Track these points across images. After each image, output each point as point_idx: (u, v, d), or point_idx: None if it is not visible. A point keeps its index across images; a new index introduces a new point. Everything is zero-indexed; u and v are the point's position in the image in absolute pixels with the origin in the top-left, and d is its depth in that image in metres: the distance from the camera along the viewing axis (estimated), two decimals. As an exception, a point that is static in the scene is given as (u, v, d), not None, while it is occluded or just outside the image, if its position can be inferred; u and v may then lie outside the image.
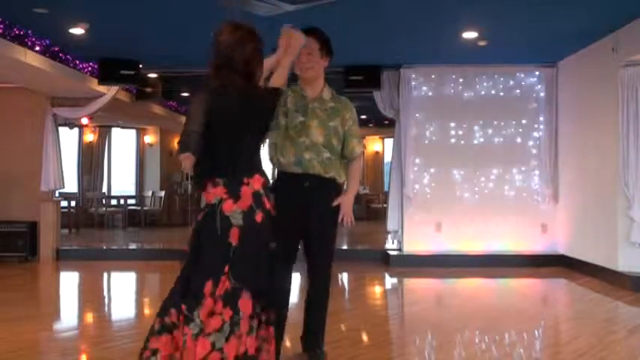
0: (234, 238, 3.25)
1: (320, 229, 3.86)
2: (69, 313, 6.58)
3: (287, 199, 3.68)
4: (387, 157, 18.07)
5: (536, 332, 5.46)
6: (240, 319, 3.18)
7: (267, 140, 3.79)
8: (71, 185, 13.40)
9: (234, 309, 3.17)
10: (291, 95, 3.89)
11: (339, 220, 3.84)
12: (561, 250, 9.09)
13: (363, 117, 15.22)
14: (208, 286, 3.20)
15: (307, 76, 3.90)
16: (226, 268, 3.22)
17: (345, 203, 3.85)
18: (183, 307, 3.19)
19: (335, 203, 3.82)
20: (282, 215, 3.51)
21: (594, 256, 8.01)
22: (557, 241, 9.21)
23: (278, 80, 3.63)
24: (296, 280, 4.36)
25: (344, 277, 8.80)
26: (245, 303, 3.20)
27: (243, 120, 3.35)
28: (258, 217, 3.28)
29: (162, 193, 15.43)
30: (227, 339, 3.13)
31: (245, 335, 3.18)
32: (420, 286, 8.15)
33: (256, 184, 3.32)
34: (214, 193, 3.29)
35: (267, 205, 3.35)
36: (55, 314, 6.41)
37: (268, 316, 3.38)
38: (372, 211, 17.35)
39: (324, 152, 3.82)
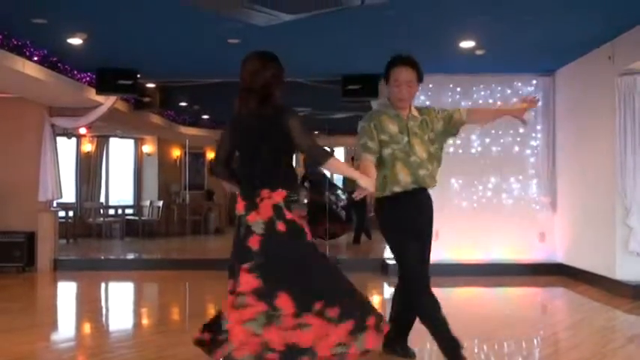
0: (253, 243, 3.53)
1: (431, 234, 4.27)
2: (66, 324, 6.57)
3: (409, 213, 4.09)
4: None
5: (535, 341, 5.45)
6: (282, 316, 3.39)
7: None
8: (69, 195, 13.37)
9: (271, 305, 3.40)
10: (387, 120, 4.10)
11: None
12: (560, 258, 9.09)
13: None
14: (230, 284, 3.56)
15: (402, 106, 4.16)
16: (246, 266, 3.48)
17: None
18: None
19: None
20: (410, 227, 4.08)
21: (592, 265, 8.01)
22: (556, 249, 9.20)
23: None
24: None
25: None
26: (284, 302, 3.40)
27: (258, 140, 3.61)
28: (280, 226, 3.53)
29: (160, 203, 15.40)
30: (264, 326, 3.37)
31: (292, 330, 3.37)
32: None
33: (277, 197, 3.56)
34: (239, 207, 3.65)
35: (289, 216, 3.56)
36: (53, 325, 6.38)
37: (331, 313, 3.42)
38: (371, 220, 17.32)
39: (429, 166, 4.12)
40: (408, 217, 4.08)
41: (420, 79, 4.20)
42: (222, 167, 3.81)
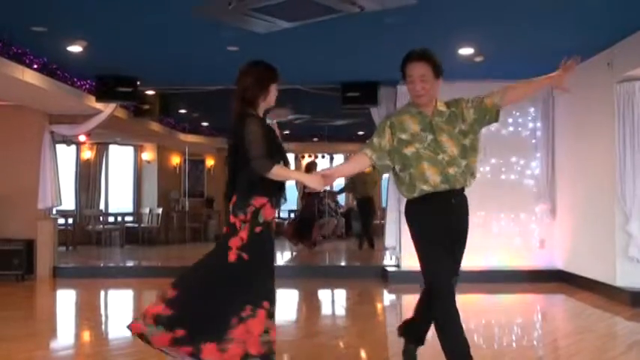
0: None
1: (465, 238, 4.08)
2: (66, 332, 6.55)
3: (440, 217, 3.87)
4: (385, 174, 18.06)
5: (536, 348, 5.44)
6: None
7: (394, 177, 4.02)
8: (68, 202, 13.35)
9: None
10: (408, 119, 3.93)
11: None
12: (559, 265, 9.08)
13: (360, 133, 15.27)
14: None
15: (422, 102, 3.97)
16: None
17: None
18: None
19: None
20: (440, 233, 3.83)
21: (592, 272, 8.00)
22: (556, 256, 9.19)
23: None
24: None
25: (342, 294, 8.78)
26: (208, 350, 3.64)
27: (232, 147, 3.86)
28: (225, 229, 3.83)
29: (160, 210, 15.39)
30: None
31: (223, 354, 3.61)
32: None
33: (232, 202, 3.79)
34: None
35: (231, 220, 3.77)
36: (52, 333, 6.37)
37: (238, 320, 3.63)
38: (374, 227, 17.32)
39: (462, 162, 3.89)
40: (438, 221, 3.84)
41: (437, 73, 3.98)
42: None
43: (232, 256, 3.69)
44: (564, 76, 4.14)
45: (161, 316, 3.70)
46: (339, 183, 17.17)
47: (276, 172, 3.66)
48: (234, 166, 3.81)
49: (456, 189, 3.88)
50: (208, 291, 3.72)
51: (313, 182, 3.80)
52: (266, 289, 3.72)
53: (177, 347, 3.62)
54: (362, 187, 13.45)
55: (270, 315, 3.66)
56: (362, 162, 3.95)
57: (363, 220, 13.65)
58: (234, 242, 3.70)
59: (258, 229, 3.71)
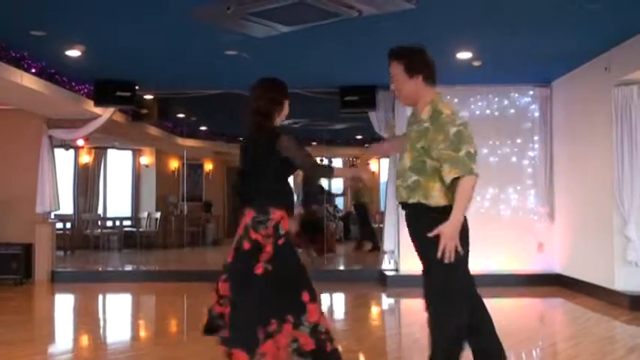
0: (230, 255, 3.93)
1: (419, 251, 3.58)
2: (64, 336, 6.54)
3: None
4: (384, 177, 18.09)
5: (535, 352, 5.44)
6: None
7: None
8: (67, 207, 13.34)
9: None
10: (409, 119, 3.77)
11: (440, 253, 3.32)
12: (558, 269, 9.08)
13: (359, 137, 15.27)
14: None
15: (403, 103, 3.82)
16: (223, 276, 3.97)
17: (443, 232, 3.30)
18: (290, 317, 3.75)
19: (432, 234, 3.30)
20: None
21: (591, 275, 8.00)
22: (554, 260, 9.19)
23: None
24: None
25: (341, 297, 8.77)
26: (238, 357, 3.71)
27: (251, 160, 3.92)
28: (245, 245, 3.80)
29: (158, 215, 15.38)
30: None
31: None
32: (416, 306, 8.05)
33: (248, 217, 3.83)
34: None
35: (253, 236, 3.79)
36: (50, 337, 6.36)
37: (265, 334, 3.70)
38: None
39: (411, 177, 3.47)
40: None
41: (409, 71, 3.58)
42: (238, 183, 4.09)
43: (259, 270, 3.74)
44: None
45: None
46: (337, 186, 17.23)
47: (337, 173, 3.99)
48: (251, 179, 3.90)
49: (403, 202, 3.56)
50: (240, 303, 3.78)
51: (366, 173, 3.99)
52: (291, 302, 3.79)
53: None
54: (355, 193, 13.54)
55: (296, 325, 3.75)
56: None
57: (360, 221, 13.76)
58: (262, 257, 3.76)
59: (280, 242, 3.80)
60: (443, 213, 3.36)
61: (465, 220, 3.47)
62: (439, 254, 3.28)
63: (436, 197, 3.41)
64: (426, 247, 3.42)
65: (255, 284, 3.72)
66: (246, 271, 3.75)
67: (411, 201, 3.48)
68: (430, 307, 3.50)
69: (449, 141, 3.34)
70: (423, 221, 3.40)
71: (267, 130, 3.89)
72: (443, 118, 3.43)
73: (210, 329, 4.05)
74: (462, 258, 3.46)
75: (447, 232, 3.29)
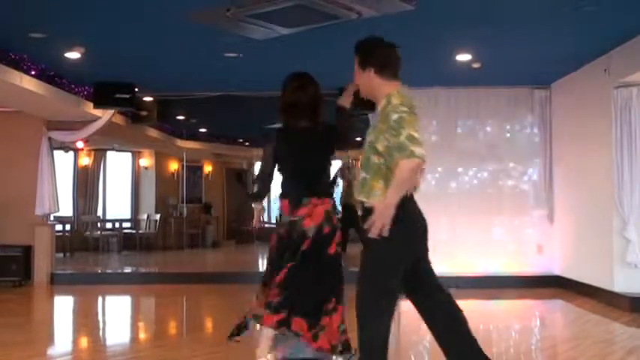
0: (306, 245, 4.06)
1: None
2: (63, 338, 6.53)
3: None
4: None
5: (534, 354, 5.44)
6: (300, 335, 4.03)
7: None
8: (66, 209, 13.33)
9: (288, 323, 4.01)
10: None
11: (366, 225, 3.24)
12: (557, 270, 9.07)
13: (358, 139, 15.24)
14: (278, 277, 4.06)
15: (370, 98, 3.67)
16: (289, 264, 4.05)
17: (376, 207, 3.20)
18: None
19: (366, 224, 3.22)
20: None
21: (590, 277, 8.00)
22: (553, 261, 9.19)
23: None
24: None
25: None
26: (298, 325, 3.98)
27: (308, 152, 4.15)
28: (326, 229, 4.09)
29: (158, 217, 15.38)
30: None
31: (314, 341, 4.01)
32: (414, 308, 8.10)
33: (327, 205, 4.13)
34: (297, 212, 4.08)
35: (335, 221, 4.16)
36: (49, 339, 6.35)
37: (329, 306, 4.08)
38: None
39: (361, 173, 3.43)
40: None
41: (361, 65, 3.62)
42: (268, 181, 4.31)
43: (332, 250, 4.13)
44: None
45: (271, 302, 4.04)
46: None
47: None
48: (319, 171, 4.24)
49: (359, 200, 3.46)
50: (313, 279, 4.08)
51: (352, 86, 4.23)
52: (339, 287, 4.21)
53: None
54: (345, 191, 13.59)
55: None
56: None
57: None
58: (336, 238, 4.14)
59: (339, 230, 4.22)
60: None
61: (411, 224, 3.34)
62: (365, 226, 3.19)
63: (377, 197, 3.26)
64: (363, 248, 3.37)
65: (327, 262, 4.10)
66: (322, 251, 4.08)
67: (358, 199, 3.42)
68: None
69: (391, 128, 3.23)
70: (363, 221, 3.29)
71: (326, 125, 4.23)
72: (388, 108, 3.32)
73: (236, 333, 4.23)
74: (386, 276, 3.29)
75: (378, 209, 3.17)
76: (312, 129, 4.21)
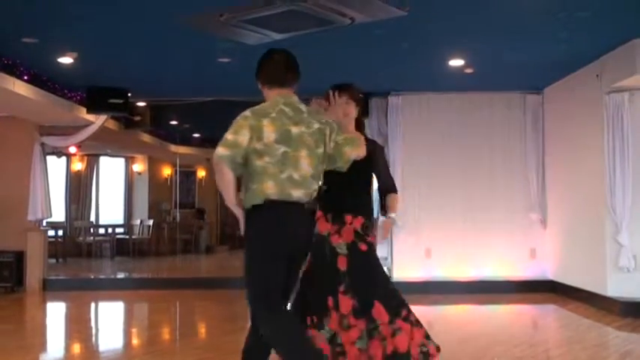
0: (341, 264, 3.84)
1: None
2: (55, 345, 6.50)
3: None
4: (376, 184, 18.13)
5: (527, 359, 5.44)
6: (379, 326, 3.71)
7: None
8: (59, 214, 13.29)
9: (369, 318, 3.73)
10: None
11: None
12: (550, 275, 9.10)
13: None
14: (330, 300, 3.78)
15: None
16: (341, 289, 3.78)
17: None
18: (315, 318, 3.77)
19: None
20: None
21: (583, 282, 8.02)
22: (546, 266, 9.21)
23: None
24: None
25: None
26: (378, 311, 3.73)
27: (350, 169, 3.67)
28: (362, 246, 3.88)
29: (151, 222, 15.34)
30: (368, 342, 3.71)
31: (390, 337, 3.68)
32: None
33: (357, 224, 3.89)
34: (321, 227, 3.86)
35: (368, 239, 3.92)
36: (42, 346, 6.31)
37: (412, 317, 3.80)
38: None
39: None
40: None
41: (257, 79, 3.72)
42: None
43: (378, 264, 4.07)
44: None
45: None
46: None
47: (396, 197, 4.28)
48: (355, 187, 4.00)
49: None
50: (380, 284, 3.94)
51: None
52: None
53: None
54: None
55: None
56: None
57: None
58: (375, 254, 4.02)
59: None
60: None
61: (259, 231, 3.31)
62: None
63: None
64: None
65: (378, 272, 3.97)
66: (370, 262, 3.92)
67: None
68: None
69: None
70: None
71: (367, 139, 3.96)
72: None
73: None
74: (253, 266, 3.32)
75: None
76: None
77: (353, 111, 4.07)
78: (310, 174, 3.35)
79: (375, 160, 4.03)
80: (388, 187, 4.15)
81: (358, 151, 3.55)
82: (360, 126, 4.12)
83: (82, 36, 6.63)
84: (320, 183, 3.50)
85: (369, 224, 3.95)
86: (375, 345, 3.69)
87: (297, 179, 3.29)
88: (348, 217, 3.89)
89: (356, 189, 3.99)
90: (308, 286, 3.79)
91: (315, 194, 3.42)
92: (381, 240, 4.23)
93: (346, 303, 3.76)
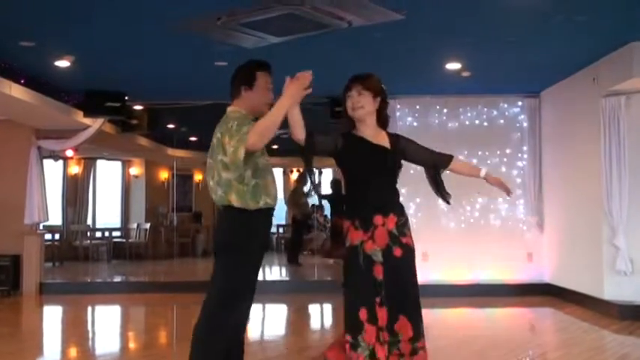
0: (378, 273, 3.48)
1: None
2: (52, 349, 6.48)
3: None
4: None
5: (525, 362, 5.44)
6: (400, 341, 3.39)
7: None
8: (55, 218, 13.28)
9: (391, 332, 3.40)
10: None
11: None
12: (547, 278, 9.10)
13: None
14: (363, 313, 3.42)
15: None
16: (377, 299, 3.43)
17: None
18: (349, 337, 3.44)
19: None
20: None
21: (580, 285, 8.02)
22: (543, 269, 9.22)
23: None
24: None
25: (328, 308, 8.75)
26: (403, 325, 3.40)
27: (374, 165, 3.61)
28: (397, 251, 3.53)
29: (148, 226, 15.31)
30: (387, 357, 3.38)
31: (409, 356, 3.38)
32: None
33: (390, 223, 3.54)
34: (353, 236, 3.55)
35: (403, 240, 3.58)
36: (38, 349, 6.30)
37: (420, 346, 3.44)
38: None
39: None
40: None
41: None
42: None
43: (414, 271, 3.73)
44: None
45: None
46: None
47: (457, 162, 4.23)
48: (386, 183, 3.72)
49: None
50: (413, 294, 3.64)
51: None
52: None
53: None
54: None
55: None
56: None
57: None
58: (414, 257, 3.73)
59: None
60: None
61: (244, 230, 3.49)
62: None
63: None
64: None
65: (409, 283, 3.63)
66: (401, 271, 3.57)
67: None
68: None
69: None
70: None
71: (389, 133, 3.79)
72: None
73: None
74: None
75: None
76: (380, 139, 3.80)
77: (369, 104, 3.75)
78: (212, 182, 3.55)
79: (401, 149, 3.76)
80: (442, 157, 3.95)
81: (245, 143, 3.36)
82: (382, 121, 3.81)
83: (79, 39, 6.63)
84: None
85: (404, 220, 3.61)
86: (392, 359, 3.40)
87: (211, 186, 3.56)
88: (378, 218, 3.53)
89: (378, 183, 3.63)
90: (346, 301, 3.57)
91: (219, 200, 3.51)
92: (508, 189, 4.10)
93: (382, 315, 3.44)
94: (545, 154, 9.27)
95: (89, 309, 8.84)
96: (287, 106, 3.50)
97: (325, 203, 15.28)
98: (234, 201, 3.44)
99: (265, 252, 3.60)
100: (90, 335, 7.21)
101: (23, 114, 8.98)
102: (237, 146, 3.36)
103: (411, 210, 9.27)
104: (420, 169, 3.89)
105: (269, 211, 3.57)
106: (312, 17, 5.28)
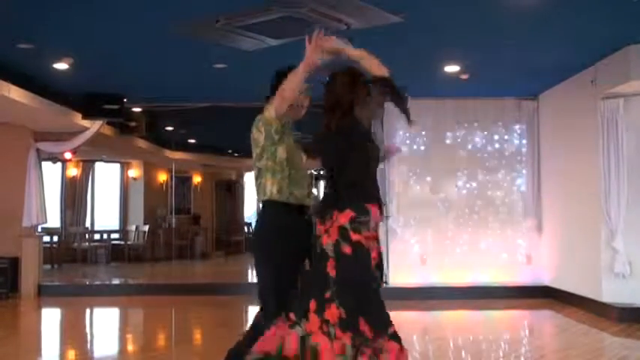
0: (330, 268, 3.38)
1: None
2: (50, 352, 6.48)
3: None
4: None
5: (523, 364, 5.45)
6: (367, 342, 3.28)
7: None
8: (54, 220, 13.25)
9: (356, 332, 3.28)
10: None
11: None
12: (546, 281, 9.10)
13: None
14: (312, 304, 3.37)
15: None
16: (327, 295, 3.34)
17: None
18: (292, 315, 3.41)
19: None
20: None
21: (579, 287, 8.03)
22: (542, 272, 9.22)
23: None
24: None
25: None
26: (363, 327, 3.29)
27: (343, 158, 3.62)
28: (346, 249, 3.35)
29: (146, 228, 15.31)
30: (352, 358, 3.26)
31: (374, 356, 3.26)
32: (406, 318, 8.10)
33: (343, 218, 3.38)
34: (318, 227, 3.53)
35: (354, 238, 3.36)
36: (37, 352, 6.29)
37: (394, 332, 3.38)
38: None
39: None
40: None
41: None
42: None
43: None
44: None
45: None
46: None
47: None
48: (374, 176, 3.75)
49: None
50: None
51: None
52: None
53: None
54: None
55: None
56: None
57: None
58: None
59: None
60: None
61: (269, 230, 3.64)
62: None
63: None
64: None
65: (361, 282, 3.44)
66: (351, 270, 3.39)
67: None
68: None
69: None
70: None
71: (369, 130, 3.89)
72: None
73: None
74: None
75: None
76: (369, 131, 4.02)
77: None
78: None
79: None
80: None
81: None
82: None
83: (78, 42, 6.63)
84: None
85: (362, 219, 3.39)
86: None
87: None
88: (335, 212, 3.40)
89: (331, 179, 3.61)
90: (302, 287, 3.56)
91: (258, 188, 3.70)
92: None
93: (332, 312, 3.34)
94: (543, 156, 9.28)
95: (87, 311, 8.83)
96: (302, 69, 3.70)
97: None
98: None
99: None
100: (88, 337, 7.20)
101: (22, 116, 8.98)
102: (268, 108, 3.75)
103: (409, 212, 9.27)
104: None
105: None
106: (310, 20, 5.29)
